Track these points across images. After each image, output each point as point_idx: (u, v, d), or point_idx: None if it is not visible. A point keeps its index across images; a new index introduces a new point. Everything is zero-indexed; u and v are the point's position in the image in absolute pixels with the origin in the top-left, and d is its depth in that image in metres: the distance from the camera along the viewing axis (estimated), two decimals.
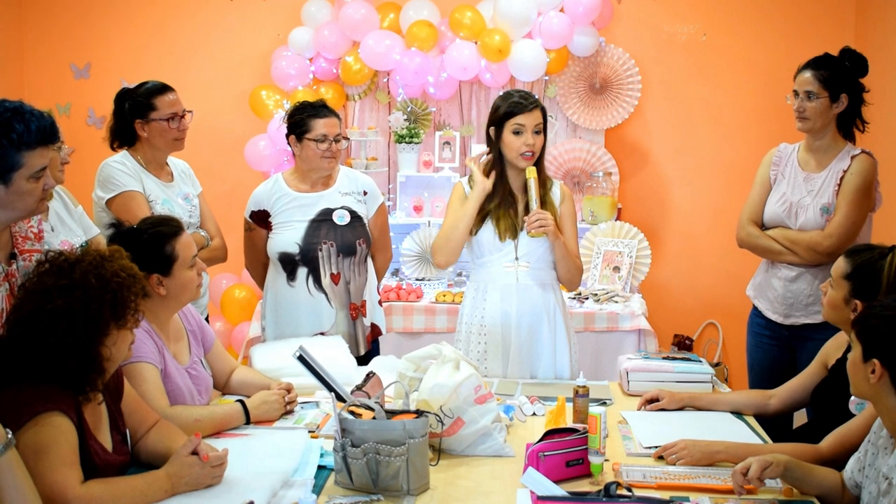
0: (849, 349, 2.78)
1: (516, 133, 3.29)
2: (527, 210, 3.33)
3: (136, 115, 3.53)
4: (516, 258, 3.36)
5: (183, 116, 3.59)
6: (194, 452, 2.26)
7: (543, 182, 3.37)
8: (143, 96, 3.54)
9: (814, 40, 4.89)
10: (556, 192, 3.44)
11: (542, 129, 3.33)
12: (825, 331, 2.98)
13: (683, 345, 5.40)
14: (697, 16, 5.51)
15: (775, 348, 3.64)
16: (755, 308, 3.73)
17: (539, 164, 3.36)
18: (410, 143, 5.30)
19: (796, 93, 3.50)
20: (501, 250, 3.36)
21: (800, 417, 3.36)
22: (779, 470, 2.25)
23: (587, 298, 4.84)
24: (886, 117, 4.55)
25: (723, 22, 5.50)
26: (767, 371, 3.66)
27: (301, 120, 3.55)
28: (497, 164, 3.37)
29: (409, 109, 5.38)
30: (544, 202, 3.35)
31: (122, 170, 3.48)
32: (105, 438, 2.24)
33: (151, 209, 3.47)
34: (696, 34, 5.52)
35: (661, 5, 5.52)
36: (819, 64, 3.47)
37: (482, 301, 3.41)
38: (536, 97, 3.38)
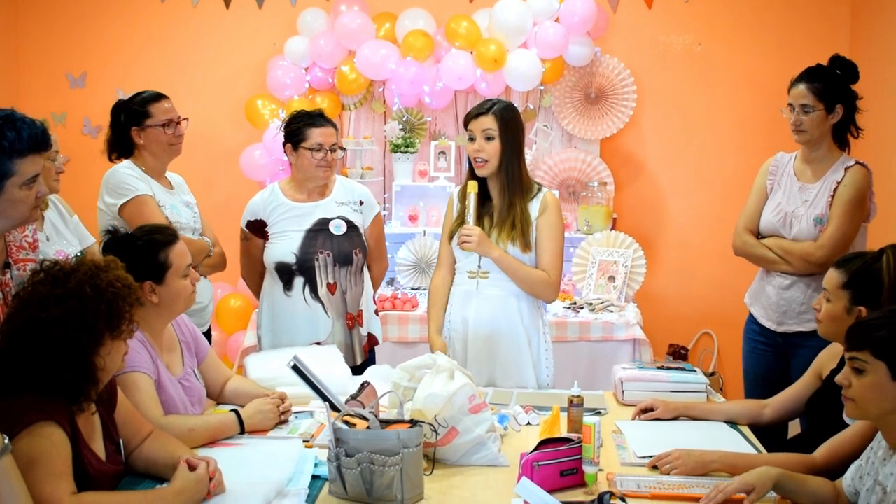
0: (843, 361, 2.78)
1: (470, 139, 3.32)
2: (481, 222, 3.33)
3: (132, 123, 3.53)
4: (479, 266, 3.35)
5: (178, 123, 3.60)
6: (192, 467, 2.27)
7: (517, 191, 3.31)
8: (138, 105, 3.55)
9: (809, 49, 4.89)
10: (536, 203, 3.35)
11: (499, 135, 3.27)
12: (817, 338, 2.97)
13: (678, 354, 5.40)
14: (692, 26, 5.53)
15: (769, 354, 3.65)
16: (750, 315, 3.74)
17: (512, 172, 3.30)
18: (406, 152, 5.31)
19: (791, 106, 3.51)
20: (468, 257, 3.37)
21: (794, 428, 3.36)
22: (759, 496, 2.24)
23: (582, 308, 4.84)
24: (882, 125, 4.56)
25: (718, 32, 5.51)
26: (761, 378, 3.66)
27: (297, 129, 3.55)
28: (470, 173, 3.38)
29: (404, 119, 5.38)
30: (515, 214, 3.29)
31: (133, 174, 3.47)
32: (98, 448, 2.24)
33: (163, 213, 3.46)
34: (692, 44, 5.53)
35: (656, 16, 5.54)
36: (812, 76, 3.49)
37: (449, 307, 3.44)
38: (496, 102, 3.34)
